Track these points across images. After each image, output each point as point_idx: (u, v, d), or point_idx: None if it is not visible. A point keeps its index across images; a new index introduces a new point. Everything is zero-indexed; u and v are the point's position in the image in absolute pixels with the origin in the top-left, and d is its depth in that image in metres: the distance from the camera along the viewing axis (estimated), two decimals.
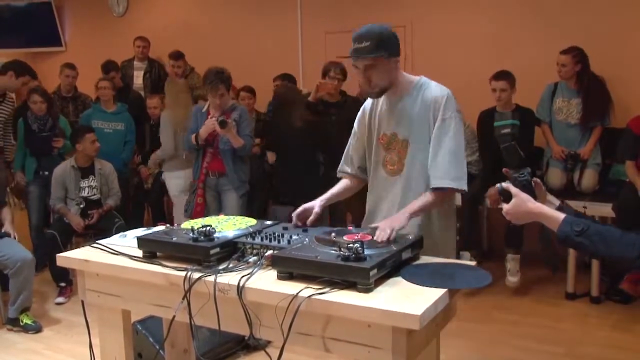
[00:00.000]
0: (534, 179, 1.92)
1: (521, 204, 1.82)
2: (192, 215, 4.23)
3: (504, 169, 1.94)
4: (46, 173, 5.02)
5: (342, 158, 2.59)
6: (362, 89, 2.39)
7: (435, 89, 2.30)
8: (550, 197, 1.96)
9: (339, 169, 2.60)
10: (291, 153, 4.61)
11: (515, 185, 1.86)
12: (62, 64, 5.96)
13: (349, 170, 2.55)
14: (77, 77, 5.97)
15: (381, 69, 2.23)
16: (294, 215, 2.36)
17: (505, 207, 1.85)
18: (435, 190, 2.24)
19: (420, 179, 2.30)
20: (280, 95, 4.99)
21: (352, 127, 2.57)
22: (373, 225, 2.18)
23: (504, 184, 1.87)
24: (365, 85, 2.31)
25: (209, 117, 4.17)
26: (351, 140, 2.56)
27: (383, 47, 2.19)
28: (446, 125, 2.24)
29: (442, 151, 2.23)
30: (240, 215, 2.56)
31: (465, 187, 2.27)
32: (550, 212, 1.79)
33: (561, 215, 1.76)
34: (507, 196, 1.85)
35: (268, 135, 5.24)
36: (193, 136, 4.23)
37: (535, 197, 1.86)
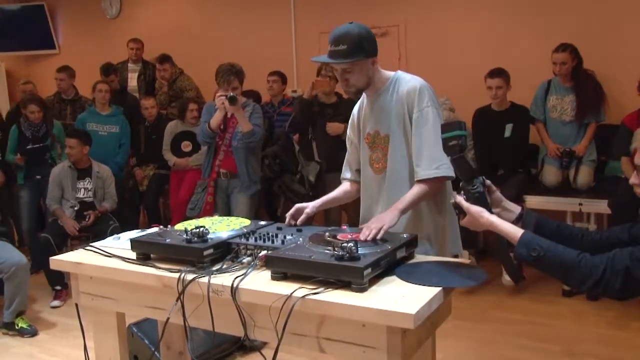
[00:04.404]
0: (488, 185, 1.89)
1: (473, 220, 1.81)
2: (200, 214, 4.18)
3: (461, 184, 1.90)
4: (37, 177, 5.00)
5: (344, 164, 2.61)
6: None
7: (408, 82, 2.29)
8: (508, 204, 1.91)
9: (341, 175, 2.60)
10: None
11: (469, 198, 1.83)
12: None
13: (348, 176, 2.57)
14: (73, 78, 5.93)
15: (358, 71, 2.24)
16: (287, 215, 2.37)
17: (462, 221, 1.86)
18: (422, 182, 2.22)
19: (403, 173, 2.30)
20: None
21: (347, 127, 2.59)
22: (362, 226, 2.16)
23: (457, 198, 1.85)
24: (343, 86, 2.33)
25: (217, 95, 4.09)
26: (348, 146, 2.58)
27: (360, 49, 2.18)
28: (423, 116, 2.23)
29: (424, 142, 2.22)
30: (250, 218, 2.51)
31: (451, 173, 2.19)
32: (506, 228, 1.75)
33: (518, 232, 1.71)
34: (461, 210, 1.85)
35: None
36: (207, 124, 4.17)
37: (489, 206, 1.83)
